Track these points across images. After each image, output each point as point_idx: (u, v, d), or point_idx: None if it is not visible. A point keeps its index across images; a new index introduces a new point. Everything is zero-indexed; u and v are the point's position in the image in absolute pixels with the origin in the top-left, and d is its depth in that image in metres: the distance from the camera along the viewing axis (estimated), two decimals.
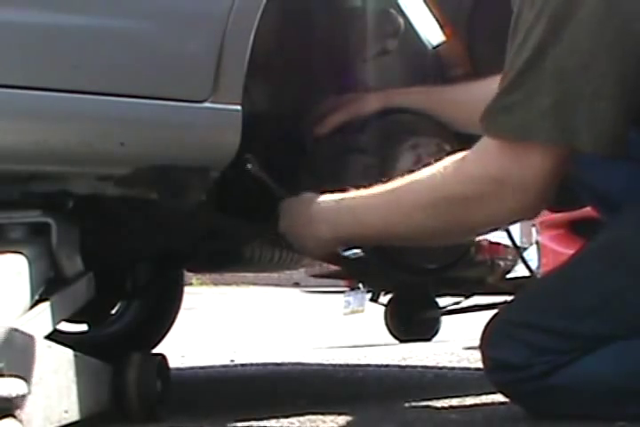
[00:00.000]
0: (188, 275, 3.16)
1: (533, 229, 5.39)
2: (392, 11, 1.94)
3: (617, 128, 1.43)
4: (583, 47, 1.42)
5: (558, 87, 1.43)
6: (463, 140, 1.96)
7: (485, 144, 1.52)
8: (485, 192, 1.51)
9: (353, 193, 1.67)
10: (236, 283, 13.39)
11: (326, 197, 1.70)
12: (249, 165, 1.75)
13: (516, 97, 1.46)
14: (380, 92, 1.92)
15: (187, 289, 2.91)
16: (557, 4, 1.44)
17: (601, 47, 1.42)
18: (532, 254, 4.97)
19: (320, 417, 1.64)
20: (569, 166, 1.51)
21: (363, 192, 1.66)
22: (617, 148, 1.44)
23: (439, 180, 1.56)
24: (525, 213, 1.55)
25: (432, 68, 2.12)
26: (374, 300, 5.26)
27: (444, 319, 5.25)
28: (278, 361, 3.13)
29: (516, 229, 4.96)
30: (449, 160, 1.58)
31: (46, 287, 1.55)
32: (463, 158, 1.55)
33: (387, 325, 5.23)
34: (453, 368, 2.78)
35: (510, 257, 5.57)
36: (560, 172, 1.49)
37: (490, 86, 1.90)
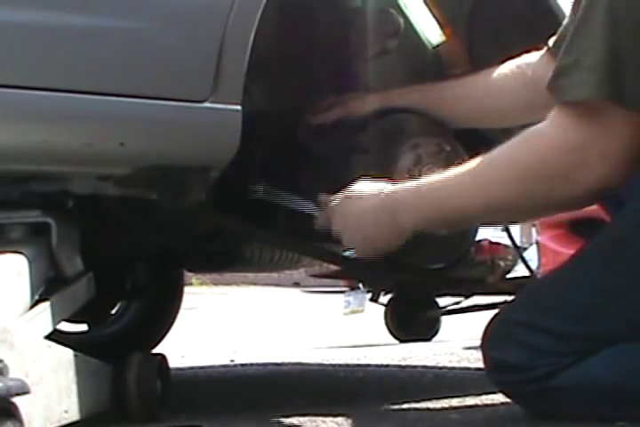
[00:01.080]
0: (188, 275, 3.16)
1: (533, 229, 5.39)
2: (392, 11, 1.94)
3: None
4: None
5: (609, 42, 1.41)
6: (463, 140, 1.96)
7: (558, 113, 1.48)
8: (567, 162, 1.46)
9: (425, 179, 1.62)
10: (236, 283, 13.39)
11: (392, 187, 1.64)
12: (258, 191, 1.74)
13: (569, 59, 1.44)
14: (379, 93, 1.92)
15: (187, 289, 2.90)
16: None
17: None
18: (531, 254, 4.97)
19: (320, 417, 1.64)
20: None
21: (437, 176, 1.60)
22: None
23: (518, 155, 1.50)
24: (610, 183, 1.46)
25: (432, 68, 2.12)
26: (374, 300, 5.25)
27: (444, 319, 5.24)
28: (278, 361, 3.13)
29: (515, 229, 4.95)
30: (524, 134, 1.51)
31: (46, 287, 1.55)
32: (538, 130, 1.50)
33: (387, 325, 5.22)
34: (453, 368, 2.78)
35: (510, 257, 5.56)
36: None
37: (487, 79, 1.89)
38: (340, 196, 1.68)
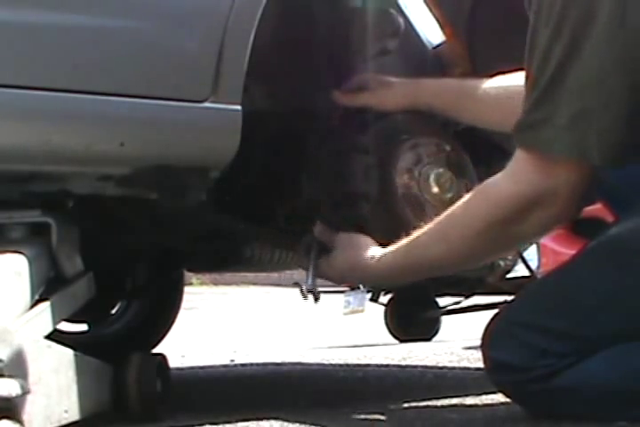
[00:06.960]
0: (188, 275, 3.16)
1: None
2: (392, 11, 1.94)
3: (622, 142, 1.47)
4: (595, 63, 1.46)
5: (576, 104, 1.48)
6: (463, 140, 1.96)
7: (516, 162, 1.55)
8: (523, 210, 1.54)
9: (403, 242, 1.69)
10: (236, 283, 13.38)
11: (379, 251, 1.73)
12: None
13: (540, 114, 1.50)
14: (411, 83, 1.92)
15: (187, 289, 2.90)
16: (573, 22, 1.47)
17: (610, 61, 1.46)
18: (531, 254, 4.96)
19: (320, 417, 1.64)
20: (597, 176, 1.54)
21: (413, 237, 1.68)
22: (620, 159, 1.48)
23: (481, 209, 1.59)
24: (560, 223, 1.62)
25: (432, 68, 2.12)
26: (374, 300, 5.24)
27: (444, 319, 5.23)
28: (278, 361, 3.13)
29: None
30: (482, 187, 1.61)
31: (46, 287, 1.55)
32: (495, 182, 1.58)
33: (387, 325, 5.21)
34: (453, 368, 2.78)
35: (510, 257, 5.56)
36: (587, 181, 1.53)
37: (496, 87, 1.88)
38: (345, 237, 1.79)
